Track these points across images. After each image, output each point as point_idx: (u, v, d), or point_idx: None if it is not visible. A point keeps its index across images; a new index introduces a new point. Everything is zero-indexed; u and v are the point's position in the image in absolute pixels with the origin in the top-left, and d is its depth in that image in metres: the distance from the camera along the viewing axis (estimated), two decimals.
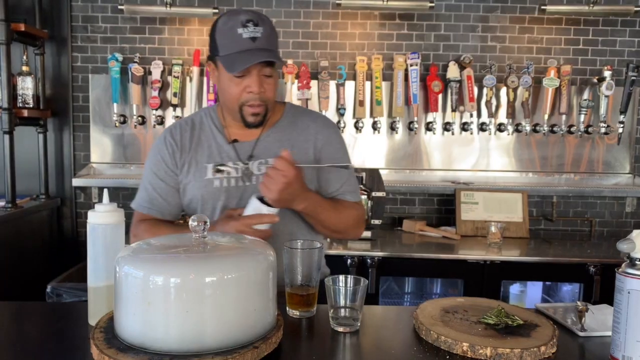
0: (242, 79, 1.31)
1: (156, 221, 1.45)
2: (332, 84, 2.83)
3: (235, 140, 1.42)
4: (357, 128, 2.85)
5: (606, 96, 2.78)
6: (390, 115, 2.87)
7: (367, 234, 2.55)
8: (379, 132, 2.87)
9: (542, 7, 2.78)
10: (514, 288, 2.75)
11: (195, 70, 2.78)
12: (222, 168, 1.40)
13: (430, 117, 2.87)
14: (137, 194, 1.48)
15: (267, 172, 1.24)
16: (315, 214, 1.36)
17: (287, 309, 1.17)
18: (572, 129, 2.84)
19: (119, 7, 2.73)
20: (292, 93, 2.79)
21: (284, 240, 1.20)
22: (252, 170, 1.39)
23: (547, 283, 2.75)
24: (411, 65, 2.80)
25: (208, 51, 1.38)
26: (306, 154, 1.42)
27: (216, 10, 2.74)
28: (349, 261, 2.34)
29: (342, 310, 1.09)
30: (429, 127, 2.87)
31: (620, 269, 0.94)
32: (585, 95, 2.88)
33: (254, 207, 1.27)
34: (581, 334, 1.10)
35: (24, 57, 2.68)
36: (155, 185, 1.44)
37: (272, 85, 1.34)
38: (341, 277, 1.13)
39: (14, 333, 1.09)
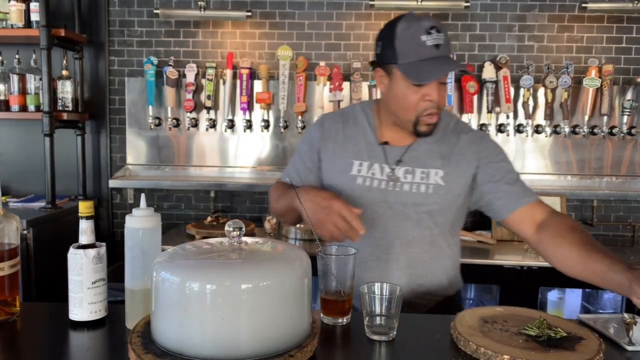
0: (421, 87, 1.27)
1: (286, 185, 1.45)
2: (365, 86, 2.80)
3: (386, 143, 1.40)
4: None
5: None
6: None
7: None
8: None
9: (583, 5, 2.69)
10: (552, 295, 2.66)
11: (228, 73, 2.80)
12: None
13: (465, 118, 2.80)
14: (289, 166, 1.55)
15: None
16: None
17: (322, 315, 1.15)
18: (614, 131, 2.74)
19: (155, 11, 2.78)
20: (324, 95, 2.78)
21: None
22: (397, 176, 1.37)
23: (587, 290, 2.66)
24: None
25: (375, 57, 1.35)
26: (457, 168, 1.38)
27: (249, 14, 2.76)
28: None
29: (378, 318, 1.07)
30: None
31: None
32: (629, 95, 2.77)
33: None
34: (629, 348, 1.05)
35: (64, 62, 2.75)
36: (298, 162, 1.49)
37: (446, 92, 1.33)
38: (377, 285, 1.12)
39: (52, 334, 1.10)
